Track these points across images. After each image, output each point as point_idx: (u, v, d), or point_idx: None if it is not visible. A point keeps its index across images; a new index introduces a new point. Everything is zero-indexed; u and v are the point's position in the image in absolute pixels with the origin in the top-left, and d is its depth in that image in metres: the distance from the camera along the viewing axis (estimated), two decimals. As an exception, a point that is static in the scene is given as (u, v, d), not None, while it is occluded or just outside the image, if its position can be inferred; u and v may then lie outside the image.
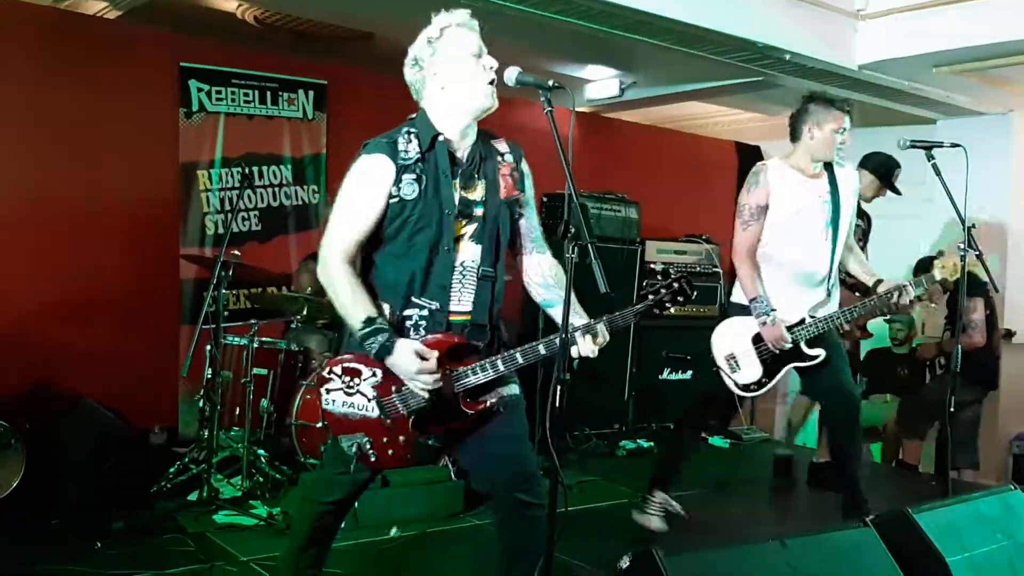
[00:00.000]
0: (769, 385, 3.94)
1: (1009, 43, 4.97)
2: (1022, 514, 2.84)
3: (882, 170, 4.99)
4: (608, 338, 2.47)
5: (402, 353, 2.39)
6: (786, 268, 3.87)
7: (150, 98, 5.51)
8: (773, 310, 3.79)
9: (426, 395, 2.43)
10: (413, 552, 3.91)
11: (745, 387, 3.96)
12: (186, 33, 5.67)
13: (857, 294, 5.20)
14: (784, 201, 3.84)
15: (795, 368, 3.94)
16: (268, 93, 5.87)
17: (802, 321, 3.83)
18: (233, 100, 5.74)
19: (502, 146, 2.63)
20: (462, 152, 2.55)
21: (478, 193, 2.54)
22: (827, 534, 2.52)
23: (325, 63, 6.20)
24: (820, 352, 3.83)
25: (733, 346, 3.94)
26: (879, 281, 3.85)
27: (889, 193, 5.12)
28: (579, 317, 2.48)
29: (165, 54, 5.53)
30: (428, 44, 2.51)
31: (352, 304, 2.42)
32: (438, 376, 2.41)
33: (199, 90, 5.61)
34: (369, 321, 2.39)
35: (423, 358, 2.39)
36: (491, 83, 2.47)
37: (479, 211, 2.53)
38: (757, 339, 3.88)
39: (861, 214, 5.03)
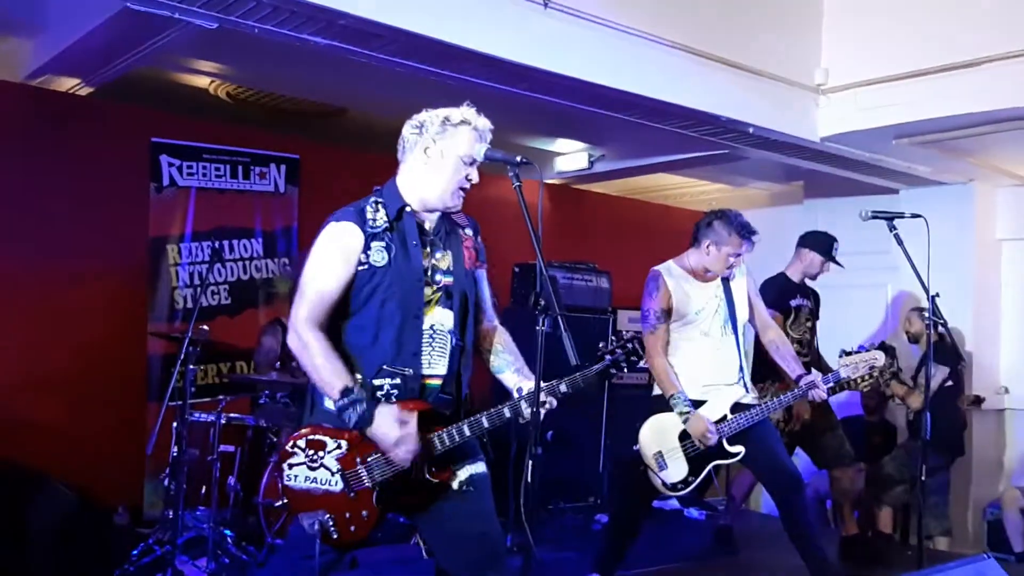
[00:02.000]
0: (694, 484, 3.98)
1: (967, 115, 5.11)
2: (997, 584, 2.83)
3: (821, 248, 5.17)
4: (566, 391, 2.50)
5: (384, 421, 2.37)
6: (700, 367, 4.01)
7: (121, 172, 5.53)
8: (692, 404, 3.90)
9: (408, 462, 2.39)
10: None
11: (673, 486, 3.99)
12: (158, 108, 5.71)
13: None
14: (683, 303, 4.02)
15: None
16: (240, 167, 5.89)
17: (724, 418, 3.92)
18: (204, 174, 5.76)
19: (461, 219, 2.69)
20: (429, 224, 2.59)
21: (446, 263, 2.58)
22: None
23: (297, 138, 6.26)
24: (740, 449, 3.94)
25: (660, 443, 3.99)
26: (800, 376, 4.04)
27: (855, 262, 5.21)
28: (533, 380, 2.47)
29: (136, 129, 5.56)
30: (442, 123, 2.53)
31: (328, 373, 2.40)
32: (418, 443, 2.39)
33: (170, 165, 5.63)
34: (347, 391, 2.37)
35: (403, 423, 2.37)
36: (463, 190, 2.53)
37: (448, 279, 2.56)
38: (683, 436, 3.95)
39: (808, 293, 5.24)
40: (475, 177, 2.54)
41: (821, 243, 5.21)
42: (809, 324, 5.22)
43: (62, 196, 5.29)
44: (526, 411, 2.42)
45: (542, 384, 2.42)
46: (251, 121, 6.17)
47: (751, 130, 5.38)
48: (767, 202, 8.39)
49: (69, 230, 5.30)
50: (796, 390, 4.02)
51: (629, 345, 2.55)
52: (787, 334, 4.85)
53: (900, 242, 3.65)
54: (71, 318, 5.26)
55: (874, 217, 3.72)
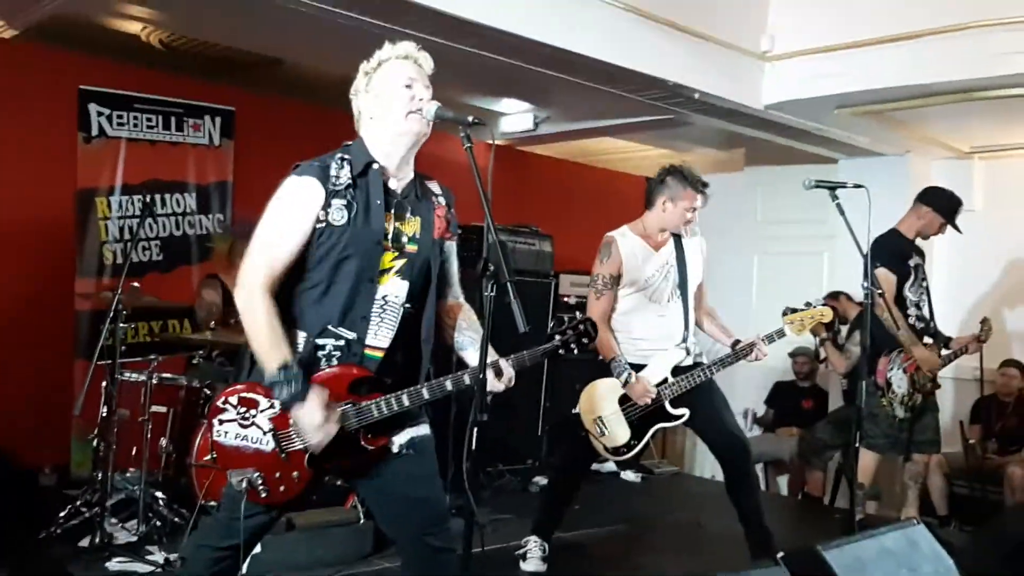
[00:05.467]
0: (638, 448, 4.01)
1: (905, 87, 5.18)
2: (925, 548, 2.90)
3: (944, 209, 4.91)
4: (513, 375, 2.46)
5: (313, 404, 2.30)
6: (644, 332, 4.03)
7: (47, 121, 5.28)
8: (632, 368, 3.92)
9: (319, 449, 2.34)
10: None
11: (616, 450, 4.02)
12: (87, 54, 5.46)
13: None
14: (634, 270, 4.03)
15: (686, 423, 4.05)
16: (172, 119, 5.69)
17: (664, 380, 3.95)
18: (135, 125, 5.55)
19: (435, 187, 2.61)
20: (398, 185, 2.50)
21: (412, 229, 2.49)
22: (741, 573, 2.52)
23: (233, 89, 6.05)
24: (684, 412, 3.97)
25: (601, 408, 4.01)
26: (737, 341, 4.03)
27: (792, 231, 5.23)
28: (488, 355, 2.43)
29: (64, 75, 5.31)
30: (364, 76, 2.50)
31: (269, 343, 2.31)
32: (330, 436, 2.33)
33: (99, 114, 5.41)
34: (286, 366, 2.29)
35: (328, 410, 2.31)
36: (417, 111, 2.42)
37: (412, 247, 2.48)
38: (623, 400, 3.98)
39: (921, 252, 5.01)
40: (422, 94, 2.44)
41: (945, 204, 4.92)
42: (926, 285, 4.99)
43: (-17, 144, 5.05)
44: (490, 383, 2.38)
45: (490, 360, 2.38)
46: (185, 70, 5.94)
47: (696, 96, 5.37)
48: (709, 168, 8.35)
49: (-8, 180, 5.07)
50: (732, 353, 4.00)
51: (581, 327, 2.53)
52: (904, 297, 4.82)
53: (842, 212, 3.68)
54: (-7, 273, 5.05)
55: (817, 186, 3.74)
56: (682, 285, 4.07)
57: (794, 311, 4.02)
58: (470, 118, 2.37)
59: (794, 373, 6.84)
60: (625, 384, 3.92)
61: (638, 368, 3.96)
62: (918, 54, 4.99)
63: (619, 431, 3.98)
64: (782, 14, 5.53)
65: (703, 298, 4.26)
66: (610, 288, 4.03)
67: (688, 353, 4.05)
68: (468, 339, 2.60)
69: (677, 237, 4.13)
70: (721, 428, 4.02)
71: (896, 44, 5.05)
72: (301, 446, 2.38)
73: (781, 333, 4.00)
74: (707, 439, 4.16)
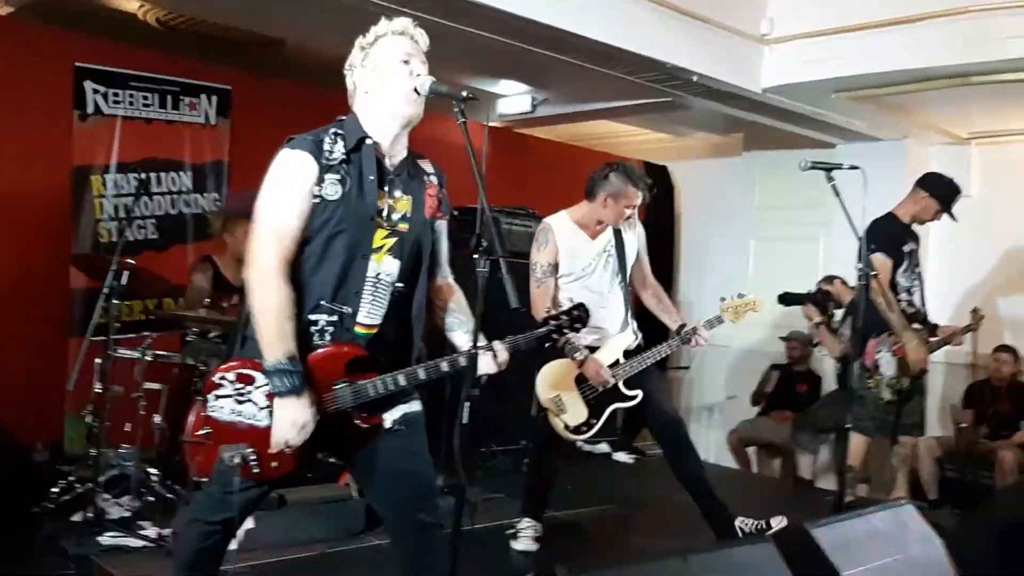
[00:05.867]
0: (597, 427, 4.08)
1: (903, 71, 5.18)
2: (914, 528, 2.91)
3: (941, 196, 4.88)
4: (507, 358, 2.47)
5: (302, 403, 2.30)
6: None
7: (42, 98, 5.24)
8: (584, 348, 3.99)
9: (291, 449, 2.34)
10: (311, 574, 3.78)
11: (575, 429, 4.09)
12: (83, 32, 5.43)
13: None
14: (571, 258, 4.11)
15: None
16: (169, 97, 5.65)
17: (616, 363, 4.04)
18: (131, 103, 5.52)
19: (428, 166, 2.60)
20: (392, 162, 2.49)
21: (404, 207, 2.48)
22: (729, 549, 2.53)
23: (229, 68, 6.03)
24: (637, 392, 4.07)
25: (558, 387, 4.09)
26: (682, 326, 4.15)
27: (789, 216, 5.23)
28: (480, 338, 2.44)
29: (60, 53, 5.27)
30: (360, 50, 2.49)
31: (276, 333, 2.30)
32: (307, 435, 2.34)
33: (95, 91, 5.37)
34: (291, 359, 2.29)
35: (310, 412, 2.32)
36: (413, 89, 2.41)
37: (403, 226, 2.47)
38: (580, 380, 4.06)
39: (916, 237, 5.00)
40: (419, 70, 2.43)
41: (942, 191, 4.88)
42: (918, 272, 4.98)
43: (-24, 119, 5.02)
44: (483, 366, 2.40)
45: (482, 344, 2.38)
46: (182, 49, 5.91)
47: (695, 78, 5.36)
48: (707, 153, 8.43)
49: (-15, 156, 5.05)
50: (677, 338, 4.13)
51: (575, 312, 2.56)
52: (896, 283, 4.82)
53: (837, 193, 3.67)
54: (-12, 249, 5.04)
55: (813, 167, 3.73)
56: (622, 273, 4.16)
57: (730, 299, 4.19)
58: (464, 93, 2.36)
59: (787, 358, 6.86)
60: (581, 365, 3.99)
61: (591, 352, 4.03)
62: (916, 38, 4.98)
63: (577, 409, 4.07)
64: (781, -3, 5.52)
65: (647, 278, 4.34)
66: (550, 276, 4.09)
67: (636, 337, 4.17)
68: (457, 321, 2.60)
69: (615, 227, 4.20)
70: (656, 405, 4.14)
71: (895, 28, 5.05)
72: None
73: (719, 320, 4.16)
74: (644, 417, 4.26)
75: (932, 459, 5.80)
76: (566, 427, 4.08)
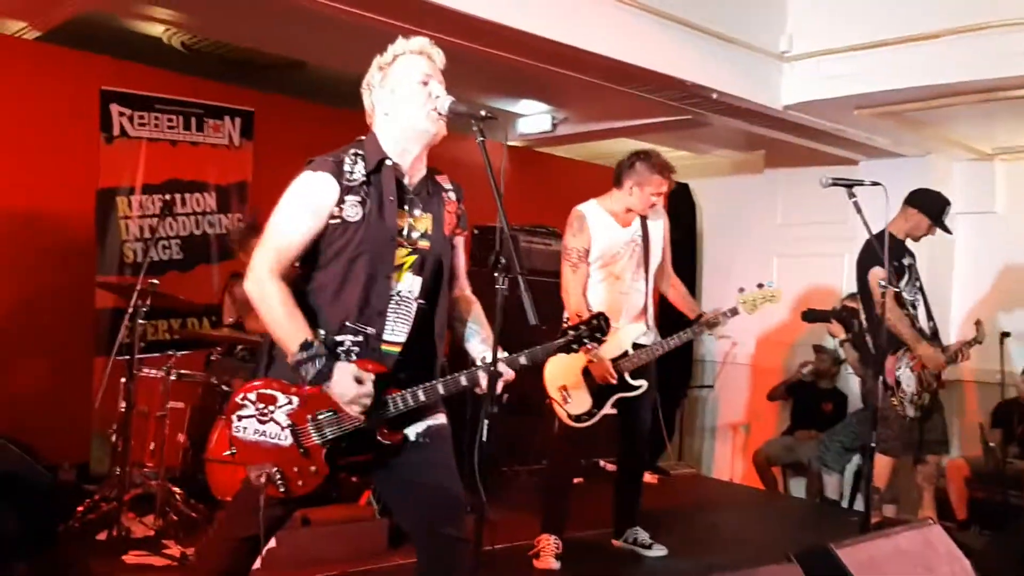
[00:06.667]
0: (599, 414, 4.18)
1: (925, 87, 5.13)
2: (941, 548, 2.87)
3: (931, 211, 4.89)
4: (513, 374, 2.44)
5: (342, 377, 2.32)
6: (608, 305, 4.17)
7: (69, 121, 5.34)
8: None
9: (361, 420, 2.35)
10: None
11: (577, 418, 4.18)
12: (109, 56, 5.52)
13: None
14: (603, 244, 4.21)
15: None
16: (193, 119, 5.74)
17: (625, 353, 4.15)
18: (156, 125, 5.60)
19: (446, 182, 2.63)
20: (411, 181, 2.51)
21: (424, 225, 2.50)
22: (754, 569, 2.50)
23: (252, 90, 6.10)
24: (643, 382, 4.19)
25: (564, 378, 4.16)
26: (701, 315, 4.27)
27: (812, 232, 5.20)
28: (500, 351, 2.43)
29: (86, 77, 5.37)
30: (379, 70, 2.51)
31: (288, 325, 2.33)
32: (371, 401, 2.34)
33: (121, 114, 5.46)
34: (306, 345, 2.30)
35: (360, 381, 2.32)
36: (434, 109, 2.43)
37: (424, 244, 2.49)
38: (586, 371, 4.15)
39: (911, 253, 5.03)
40: (438, 91, 2.45)
41: (931, 205, 4.89)
42: (919, 285, 4.96)
43: (6, 144, 5.10)
44: (483, 381, 2.38)
45: (502, 355, 2.38)
46: (205, 72, 5.99)
47: (715, 96, 5.35)
48: (729, 170, 8.40)
49: (15, 180, 5.12)
50: (695, 327, 4.23)
51: (594, 321, 2.53)
52: (900, 297, 4.84)
53: (859, 209, 3.66)
54: (16, 270, 5.11)
55: (834, 184, 3.72)
56: (645, 263, 4.27)
57: (749, 291, 4.21)
58: (483, 112, 2.38)
59: (815, 372, 6.78)
60: (589, 360, 4.09)
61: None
62: (938, 54, 4.95)
63: (582, 399, 4.15)
64: (801, 14, 5.50)
65: (667, 269, 4.46)
66: (584, 260, 4.18)
67: (648, 328, 4.26)
68: (472, 331, 2.62)
69: (643, 217, 4.30)
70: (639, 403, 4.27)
71: (916, 44, 5.02)
72: (318, 441, 2.40)
73: (735, 311, 4.20)
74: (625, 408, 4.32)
75: (961, 479, 5.71)
76: (569, 416, 4.17)
